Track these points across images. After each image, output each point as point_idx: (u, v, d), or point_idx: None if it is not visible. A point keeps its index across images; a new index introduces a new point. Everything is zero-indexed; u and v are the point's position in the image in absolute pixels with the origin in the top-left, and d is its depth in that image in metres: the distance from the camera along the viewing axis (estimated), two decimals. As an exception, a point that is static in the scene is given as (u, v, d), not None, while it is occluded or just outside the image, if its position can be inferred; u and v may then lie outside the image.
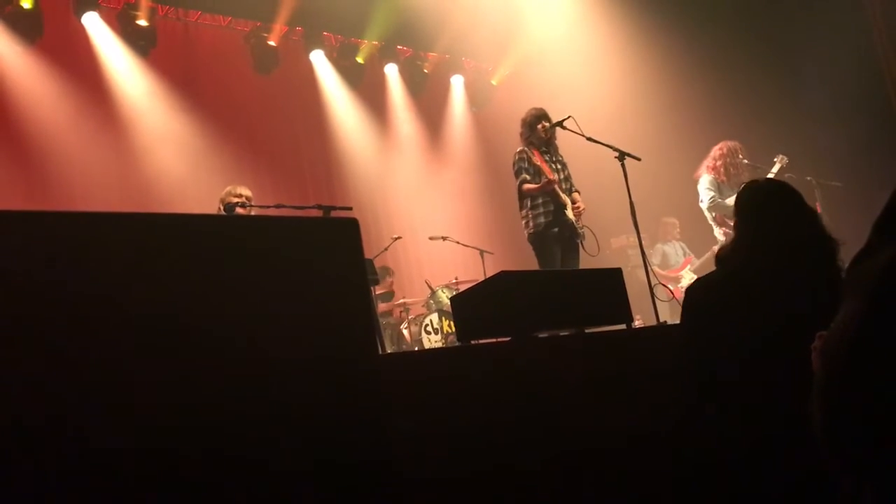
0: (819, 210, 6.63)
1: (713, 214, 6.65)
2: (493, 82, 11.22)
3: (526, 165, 5.89)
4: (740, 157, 6.57)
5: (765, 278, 2.58)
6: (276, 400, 1.76)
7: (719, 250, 2.90)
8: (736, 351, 2.55)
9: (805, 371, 2.36)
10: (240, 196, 5.31)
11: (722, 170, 6.56)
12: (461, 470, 2.60)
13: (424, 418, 2.43)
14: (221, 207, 5.35)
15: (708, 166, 6.66)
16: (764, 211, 2.72)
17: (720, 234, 6.62)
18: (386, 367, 2.43)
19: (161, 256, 1.73)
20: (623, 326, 3.87)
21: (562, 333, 3.80)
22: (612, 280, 3.88)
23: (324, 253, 1.87)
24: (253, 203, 5.33)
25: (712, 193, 6.54)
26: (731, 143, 6.65)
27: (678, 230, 8.77)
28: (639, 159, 5.40)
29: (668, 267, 8.63)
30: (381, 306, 7.97)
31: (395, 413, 2.10)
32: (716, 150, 6.67)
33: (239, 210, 5.22)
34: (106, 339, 1.65)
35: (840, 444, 0.93)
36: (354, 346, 1.91)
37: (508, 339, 3.41)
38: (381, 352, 5.41)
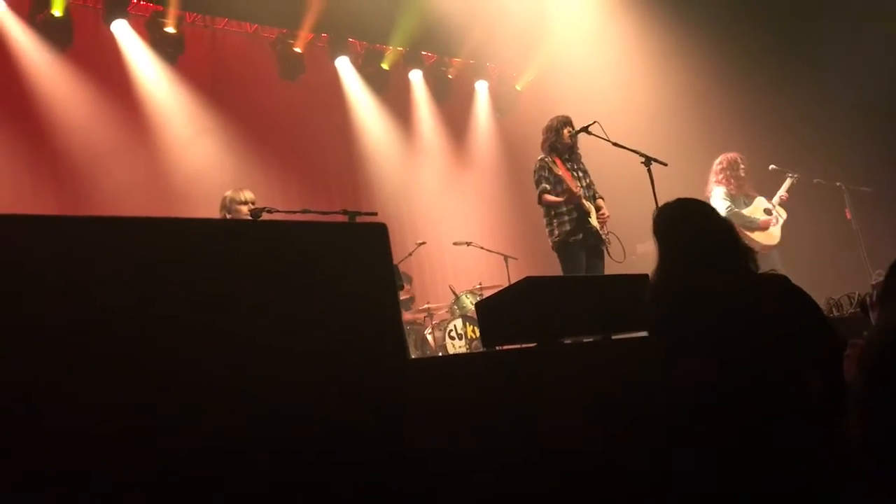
0: (849, 216, 6.56)
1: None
2: (518, 87, 11.20)
3: (546, 174, 5.86)
4: (741, 167, 6.55)
5: (685, 293, 2.63)
6: (305, 400, 1.77)
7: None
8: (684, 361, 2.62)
9: (741, 374, 2.42)
10: (246, 202, 5.15)
11: (726, 181, 6.55)
12: (486, 475, 2.59)
13: (450, 423, 2.42)
14: (227, 215, 5.09)
15: (715, 181, 6.65)
16: (673, 230, 2.80)
17: None
18: (413, 371, 2.43)
19: (202, 259, 1.75)
20: (648, 333, 3.83)
21: (587, 340, 3.78)
22: (638, 286, 3.84)
23: (355, 257, 1.88)
24: (276, 207, 5.25)
25: (728, 203, 6.50)
26: (730, 156, 6.65)
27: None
28: (665, 164, 5.36)
29: (694, 273, 8.55)
30: (403, 313, 7.97)
31: (421, 417, 2.10)
32: (716, 165, 6.68)
33: (266, 215, 5.17)
34: (147, 339, 1.67)
35: (888, 459, 0.91)
36: (385, 349, 1.91)
37: (534, 345, 3.39)
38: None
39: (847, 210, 6.66)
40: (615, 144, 5.44)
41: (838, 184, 6.69)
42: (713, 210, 2.95)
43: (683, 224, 2.81)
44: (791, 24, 8.54)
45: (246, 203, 5.21)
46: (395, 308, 2.06)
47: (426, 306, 8.19)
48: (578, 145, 6.06)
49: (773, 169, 6.82)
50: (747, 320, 2.55)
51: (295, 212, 5.12)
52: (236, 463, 1.70)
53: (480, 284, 8.14)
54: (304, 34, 9.19)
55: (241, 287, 1.77)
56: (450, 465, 2.39)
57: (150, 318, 1.70)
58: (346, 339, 1.89)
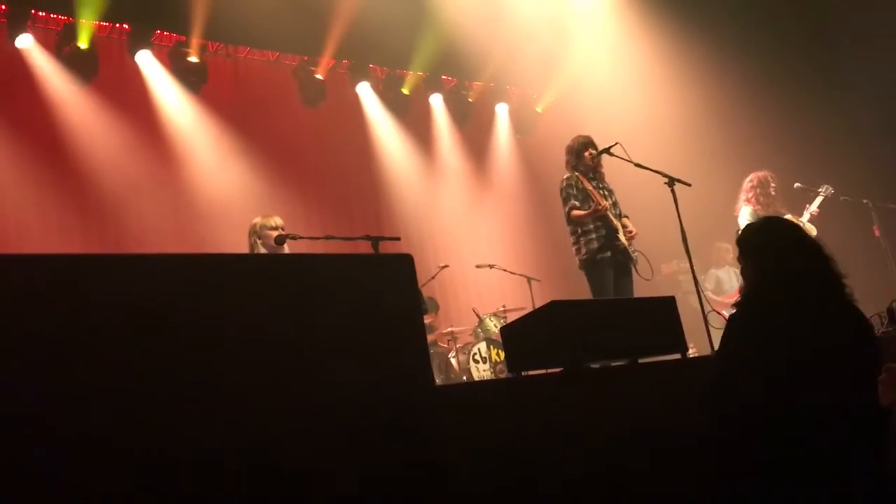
0: (877, 233, 6.48)
1: None
2: (538, 109, 11.21)
3: (574, 192, 5.85)
4: (772, 186, 6.49)
5: (777, 318, 2.58)
6: (335, 428, 1.78)
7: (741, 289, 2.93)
8: (767, 382, 2.54)
9: (833, 401, 2.35)
10: (275, 228, 5.22)
11: (754, 200, 6.49)
12: (514, 502, 2.56)
13: (478, 449, 2.40)
14: (257, 240, 5.24)
15: (744, 199, 6.60)
16: (765, 252, 2.75)
17: None
18: (440, 398, 2.41)
19: (237, 292, 1.77)
20: (678, 356, 3.79)
21: (614, 364, 3.74)
22: (665, 308, 3.81)
23: (383, 288, 1.89)
24: (298, 234, 5.27)
25: None
26: (760, 174, 6.59)
27: (731, 255, 8.61)
28: (689, 185, 5.32)
29: (723, 293, 8.47)
30: (427, 336, 7.95)
31: (449, 444, 2.09)
32: (746, 184, 6.63)
33: (290, 242, 5.18)
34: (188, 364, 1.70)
35: None
36: (411, 378, 1.91)
37: (560, 369, 3.36)
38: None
39: (875, 227, 6.58)
40: (637, 165, 5.41)
41: (865, 201, 6.62)
42: (801, 230, 2.88)
43: (777, 244, 2.77)
44: (814, 44, 8.50)
45: (276, 228, 5.25)
46: (421, 336, 2.05)
47: (449, 329, 8.16)
48: (602, 164, 6.04)
49: (798, 187, 6.76)
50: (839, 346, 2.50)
51: (318, 238, 5.12)
52: (271, 486, 1.71)
53: (504, 307, 8.10)
54: (326, 61, 9.27)
55: (271, 319, 1.80)
56: (478, 490, 2.36)
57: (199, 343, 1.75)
58: (374, 369, 1.89)
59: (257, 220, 5.40)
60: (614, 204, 5.98)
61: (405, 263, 1.97)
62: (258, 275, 1.84)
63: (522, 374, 3.57)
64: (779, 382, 2.52)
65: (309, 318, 1.85)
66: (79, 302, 1.65)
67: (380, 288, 1.92)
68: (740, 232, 2.96)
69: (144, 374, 1.66)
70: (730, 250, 8.59)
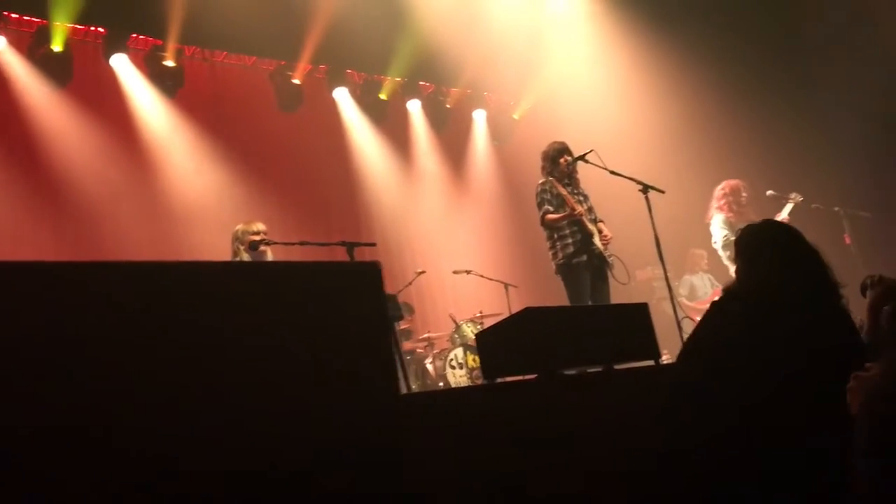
0: (848, 241, 6.57)
1: (727, 253, 6.62)
2: (515, 116, 11.26)
3: (549, 197, 5.88)
4: (743, 195, 6.57)
5: (773, 319, 2.58)
6: (294, 441, 1.77)
7: (726, 287, 2.93)
8: (750, 387, 2.54)
9: (820, 409, 2.36)
10: (257, 233, 5.29)
11: (726, 208, 6.56)
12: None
13: (449, 459, 2.40)
14: (240, 246, 5.32)
15: (716, 207, 6.67)
16: (770, 252, 2.75)
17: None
18: (410, 407, 2.41)
19: (194, 301, 1.76)
20: (651, 362, 3.82)
21: (589, 370, 3.76)
22: (638, 315, 3.84)
23: (347, 297, 1.88)
24: (274, 240, 5.31)
25: (725, 232, 6.51)
26: (732, 182, 6.67)
27: (706, 261, 8.69)
28: (662, 192, 5.38)
29: (696, 298, 8.54)
30: (403, 343, 7.94)
31: (419, 454, 2.08)
32: (718, 191, 6.71)
33: (263, 248, 5.20)
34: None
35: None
36: (375, 391, 1.91)
37: (535, 376, 3.37)
38: (406, 389, 5.37)
39: (846, 235, 6.67)
40: (612, 172, 5.46)
41: (837, 209, 6.71)
42: (800, 235, 2.88)
43: (780, 248, 2.77)
44: (789, 55, 8.61)
45: (257, 234, 5.30)
46: (387, 347, 2.04)
47: (426, 335, 8.17)
48: (578, 171, 6.08)
49: (770, 195, 6.84)
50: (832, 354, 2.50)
51: (294, 244, 5.11)
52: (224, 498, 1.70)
53: (481, 313, 8.12)
54: (303, 66, 9.25)
55: (233, 328, 1.78)
56: (447, 500, 2.36)
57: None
58: (336, 379, 1.88)
59: (240, 226, 5.45)
60: (589, 209, 6.02)
61: (372, 271, 1.97)
62: (215, 283, 1.82)
63: (497, 380, 3.58)
64: (762, 383, 2.52)
65: (269, 327, 1.83)
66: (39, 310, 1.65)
67: (346, 296, 1.90)
68: (740, 232, 2.97)
69: (98, 378, 1.65)
70: (704, 256, 8.66)
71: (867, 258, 6.57)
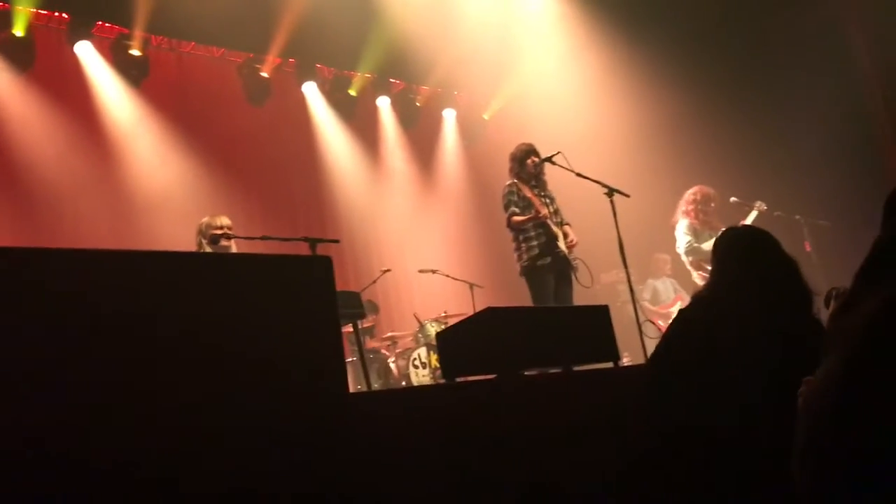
0: (808, 249, 6.65)
1: (690, 259, 6.67)
2: (485, 117, 11.26)
3: (515, 198, 5.89)
4: (712, 204, 6.61)
5: (750, 324, 2.57)
6: (238, 429, 1.73)
7: (696, 294, 2.92)
8: (724, 396, 2.53)
9: (792, 417, 2.36)
10: (220, 228, 5.23)
11: (693, 214, 6.59)
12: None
13: (403, 458, 2.37)
14: (203, 239, 5.27)
15: (683, 211, 6.70)
16: (746, 258, 2.75)
17: (698, 279, 6.63)
18: (363, 405, 2.38)
19: (131, 290, 1.71)
20: (610, 364, 3.82)
21: (549, 371, 3.75)
22: (599, 318, 3.85)
23: (295, 291, 1.84)
24: (237, 234, 5.24)
25: (689, 238, 6.55)
26: (703, 189, 6.69)
27: (669, 266, 8.76)
28: (627, 196, 5.41)
29: (659, 303, 8.62)
30: (367, 341, 7.90)
31: (372, 452, 2.05)
32: (688, 195, 6.72)
33: (223, 242, 5.14)
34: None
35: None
36: (323, 383, 1.87)
37: (494, 376, 3.36)
38: (367, 388, 5.34)
39: (807, 243, 6.76)
40: (578, 175, 5.47)
41: (798, 217, 6.79)
42: (779, 244, 2.88)
43: (761, 253, 2.76)
44: (756, 62, 8.71)
45: (221, 228, 5.23)
46: (336, 340, 2.01)
47: (390, 334, 8.13)
48: (545, 172, 6.09)
49: (733, 201, 6.90)
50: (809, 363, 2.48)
51: (256, 238, 5.06)
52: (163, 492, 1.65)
53: (445, 313, 8.10)
54: (272, 59, 9.16)
55: (168, 318, 1.73)
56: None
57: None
58: (278, 374, 1.84)
59: (205, 219, 5.40)
60: (556, 212, 6.04)
61: (322, 266, 1.93)
62: (152, 272, 1.77)
63: (457, 380, 3.56)
64: (729, 390, 2.52)
65: (209, 317, 1.79)
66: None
67: (295, 290, 1.87)
68: (719, 235, 2.97)
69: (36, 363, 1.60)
70: (668, 261, 8.73)
71: (827, 266, 6.67)
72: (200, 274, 1.85)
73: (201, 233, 5.34)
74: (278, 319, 1.87)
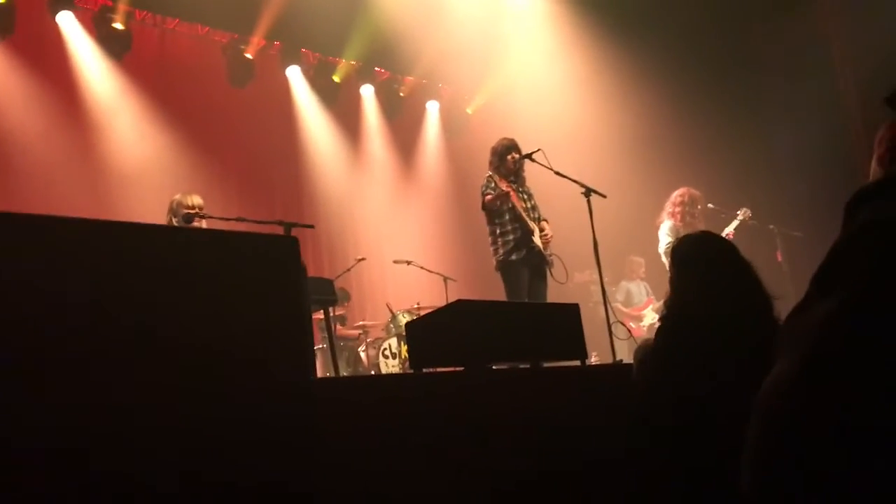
0: (780, 258, 6.72)
1: (669, 260, 6.68)
2: (469, 111, 11.25)
3: (493, 187, 5.90)
4: (699, 207, 6.62)
5: (717, 329, 2.59)
6: (190, 417, 1.69)
7: (665, 303, 2.93)
8: (695, 398, 2.55)
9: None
10: (192, 207, 5.17)
11: (679, 216, 6.60)
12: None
13: (362, 447, 2.36)
14: (174, 218, 5.21)
15: (668, 212, 6.72)
16: (705, 264, 2.77)
17: None
18: (326, 391, 2.36)
19: (106, 260, 1.67)
20: (578, 363, 3.84)
21: (517, 366, 3.76)
22: (569, 315, 3.86)
23: (260, 269, 1.81)
24: (209, 214, 5.19)
25: (670, 239, 6.58)
26: (691, 192, 6.70)
27: (643, 269, 8.82)
28: (604, 196, 5.42)
29: (632, 305, 8.67)
30: (337, 329, 7.87)
31: (332, 439, 2.03)
32: (675, 197, 6.72)
33: (196, 222, 5.09)
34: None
35: None
36: (286, 366, 1.84)
37: (461, 368, 3.36)
38: (335, 375, 5.32)
39: (779, 252, 6.82)
40: (557, 173, 5.49)
41: (771, 227, 6.85)
42: (735, 250, 2.89)
43: (719, 259, 2.77)
44: (738, 70, 8.77)
45: (192, 208, 5.17)
46: (301, 323, 1.98)
47: (362, 323, 8.11)
48: (524, 169, 6.10)
49: (710, 207, 6.94)
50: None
51: (229, 219, 5.01)
52: (118, 479, 1.62)
53: (418, 304, 8.09)
54: (257, 40, 9.09)
55: (132, 293, 1.69)
56: (356, 491, 2.32)
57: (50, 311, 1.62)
58: (237, 356, 1.81)
59: (177, 196, 5.33)
60: (533, 208, 6.05)
61: (288, 246, 1.90)
62: (118, 244, 1.73)
63: (424, 370, 3.56)
64: (693, 400, 2.53)
65: (174, 294, 1.74)
66: None
67: (257, 270, 1.83)
68: (675, 242, 2.99)
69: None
70: (642, 264, 8.79)
71: (797, 276, 6.73)
72: (151, 248, 1.79)
73: (172, 210, 5.27)
74: (237, 300, 1.82)
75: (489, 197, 5.82)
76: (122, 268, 1.71)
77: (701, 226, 6.61)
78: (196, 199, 5.26)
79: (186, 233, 2.18)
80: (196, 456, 1.70)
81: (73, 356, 1.62)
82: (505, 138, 6.14)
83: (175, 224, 5.19)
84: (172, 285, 1.76)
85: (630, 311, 8.58)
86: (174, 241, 1.86)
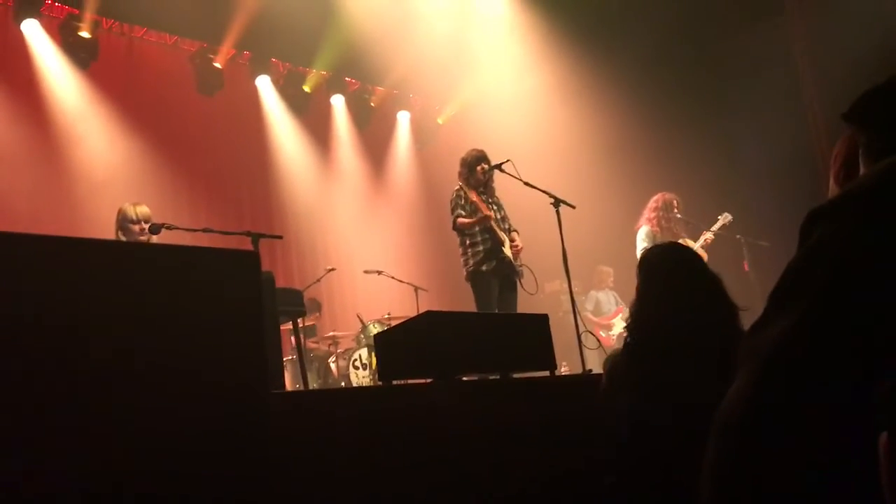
0: (747, 268, 6.78)
1: None
2: (439, 121, 11.27)
3: (462, 202, 5.90)
4: (675, 211, 6.64)
5: (679, 338, 2.60)
6: (148, 423, 1.66)
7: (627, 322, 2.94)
8: (656, 411, 2.55)
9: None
10: (137, 221, 4.88)
11: (655, 221, 6.63)
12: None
13: (328, 459, 2.34)
14: (121, 233, 4.92)
15: (645, 218, 6.75)
16: (667, 272, 2.78)
17: None
18: (286, 405, 2.33)
19: (55, 275, 1.64)
20: (547, 373, 3.85)
21: (487, 377, 3.76)
22: (538, 326, 3.87)
23: (214, 285, 1.79)
24: (177, 225, 4.98)
25: (645, 244, 6.61)
26: (667, 196, 6.72)
27: (612, 279, 8.88)
28: (573, 207, 5.45)
29: (601, 314, 8.72)
30: (307, 340, 7.82)
31: (293, 455, 2.01)
32: (651, 202, 6.75)
33: (141, 238, 4.87)
34: None
35: None
36: (240, 382, 1.82)
37: (430, 380, 3.35)
38: (305, 386, 5.26)
39: (745, 262, 6.89)
40: (526, 184, 5.50)
41: (738, 236, 6.92)
42: (700, 260, 2.90)
43: (684, 269, 2.78)
44: (708, 82, 8.87)
45: (138, 222, 4.91)
46: (259, 337, 1.95)
47: (332, 334, 8.06)
48: (494, 179, 6.11)
49: (678, 218, 6.99)
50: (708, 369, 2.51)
51: (196, 230, 4.92)
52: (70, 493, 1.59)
53: (389, 315, 8.07)
54: (226, 50, 9.04)
55: (92, 308, 1.67)
56: None
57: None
58: (198, 367, 1.79)
59: (123, 206, 5.05)
60: (503, 218, 6.06)
61: (247, 261, 1.88)
62: (77, 260, 1.70)
63: (393, 382, 3.54)
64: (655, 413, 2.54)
65: (129, 310, 1.72)
66: None
67: (213, 285, 1.81)
68: (642, 256, 3.00)
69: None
70: (611, 273, 8.85)
71: (764, 286, 6.80)
72: (116, 264, 1.77)
73: (118, 223, 4.98)
74: (191, 315, 1.80)
75: (464, 221, 5.82)
76: (59, 284, 1.67)
77: (679, 230, 6.65)
78: (142, 211, 4.98)
79: (131, 248, 2.15)
80: (140, 469, 1.67)
81: (16, 371, 1.59)
82: (474, 149, 6.15)
83: (121, 237, 4.94)
84: (115, 301, 1.72)
85: (599, 320, 8.62)
86: (126, 257, 1.83)
